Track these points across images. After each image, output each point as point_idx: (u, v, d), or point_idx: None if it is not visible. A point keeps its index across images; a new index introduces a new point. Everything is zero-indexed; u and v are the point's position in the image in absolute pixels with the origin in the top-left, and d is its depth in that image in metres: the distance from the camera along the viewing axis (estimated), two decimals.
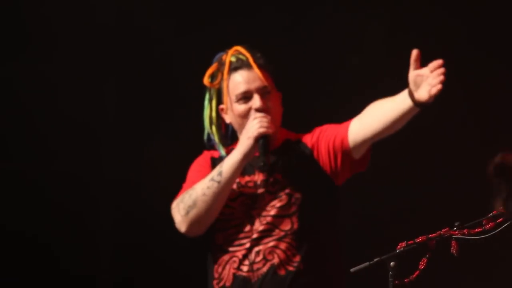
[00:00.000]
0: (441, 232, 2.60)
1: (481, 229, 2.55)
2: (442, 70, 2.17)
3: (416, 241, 2.63)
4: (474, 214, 2.65)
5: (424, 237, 2.62)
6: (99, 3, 4.68)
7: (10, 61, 4.39)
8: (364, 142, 2.43)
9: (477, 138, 4.02)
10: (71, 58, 4.44)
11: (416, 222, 3.36)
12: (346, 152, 2.45)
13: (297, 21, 4.60)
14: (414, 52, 2.22)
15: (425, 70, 2.19)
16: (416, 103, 2.23)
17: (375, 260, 2.69)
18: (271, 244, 2.44)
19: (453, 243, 2.58)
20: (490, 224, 2.53)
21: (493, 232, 2.54)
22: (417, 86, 2.21)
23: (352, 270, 2.71)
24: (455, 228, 2.58)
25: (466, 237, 2.56)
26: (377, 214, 3.78)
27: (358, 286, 2.90)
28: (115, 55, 4.54)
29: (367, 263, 2.70)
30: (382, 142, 2.76)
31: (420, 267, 2.62)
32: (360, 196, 3.73)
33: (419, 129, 3.41)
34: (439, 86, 2.16)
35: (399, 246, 2.65)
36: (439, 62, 2.19)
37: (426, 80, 2.18)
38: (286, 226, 2.45)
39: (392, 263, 2.64)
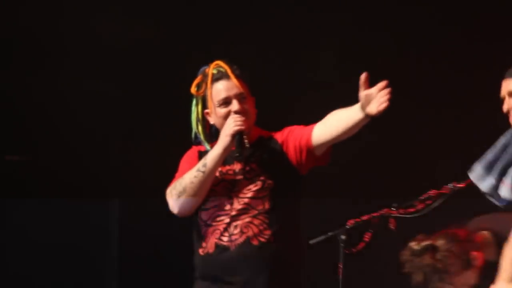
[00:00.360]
0: (382, 212, 3.23)
1: (414, 210, 3.17)
2: (387, 90, 2.71)
3: (362, 218, 3.24)
4: (408, 197, 3.28)
5: (368, 216, 3.23)
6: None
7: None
8: (324, 144, 2.92)
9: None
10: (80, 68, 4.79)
11: (362, 203, 3.93)
12: (310, 150, 2.92)
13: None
14: (363, 76, 2.74)
15: (373, 90, 2.69)
16: (367, 116, 2.79)
17: (329, 234, 3.30)
18: (247, 220, 2.95)
19: (391, 220, 3.20)
20: (421, 205, 3.16)
21: (423, 212, 3.16)
22: (368, 102, 2.72)
23: (311, 242, 3.32)
24: (393, 208, 3.20)
25: (402, 215, 3.17)
26: (332, 196, 4.36)
27: (317, 254, 3.41)
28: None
29: (323, 236, 3.32)
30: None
31: (365, 239, 3.24)
32: (318, 183, 4.29)
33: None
34: (385, 104, 2.70)
35: (349, 223, 3.25)
36: (384, 83, 2.72)
37: (375, 98, 2.72)
38: (259, 206, 2.95)
39: (343, 237, 3.25)
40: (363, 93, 2.62)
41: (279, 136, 2.98)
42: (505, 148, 2.93)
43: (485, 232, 3.31)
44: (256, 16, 4.86)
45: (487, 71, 4.45)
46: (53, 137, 4.61)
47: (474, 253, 3.17)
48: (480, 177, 2.86)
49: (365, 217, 3.36)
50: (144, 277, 5.03)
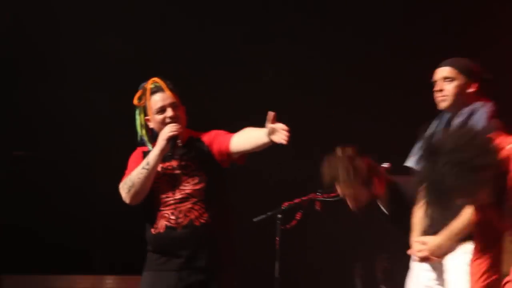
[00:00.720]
0: (310, 196, 4.02)
1: (334, 194, 3.90)
2: (286, 132, 3.24)
3: (295, 201, 4.04)
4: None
5: (299, 199, 4.03)
6: None
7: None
8: (238, 152, 3.58)
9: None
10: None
11: (295, 189, 4.67)
12: (228, 154, 3.57)
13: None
14: (271, 114, 3.27)
15: (277, 126, 3.27)
16: (271, 141, 3.30)
17: (268, 213, 4.13)
18: (189, 206, 3.53)
19: (317, 202, 4.00)
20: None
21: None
22: (272, 132, 3.26)
23: (254, 219, 4.14)
24: (318, 193, 3.99)
25: (326, 199, 3.96)
26: (269, 183, 5.16)
27: (258, 230, 4.39)
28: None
29: (264, 216, 4.13)
30: None
31: (296, 217, 4.04)
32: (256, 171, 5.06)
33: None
34: (284, 141, 3.22)
35: (284, 205, 4.06)
36: (285, 127, 3.25)
37: (278, 131, 3.25)
38: (197, 195, 3.56)
39: (279, 216, 4.07)
40: (269, 125, 3.26)
41: (206, 138, 3.62)
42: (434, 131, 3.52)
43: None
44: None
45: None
46: (53, 135, 5.31)
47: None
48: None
49: (297, 200, 4.14)
50: None
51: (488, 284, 2.63)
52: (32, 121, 5.18)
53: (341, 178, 3.50)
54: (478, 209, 2.69)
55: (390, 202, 3.62)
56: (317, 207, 4.19)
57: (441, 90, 3.45)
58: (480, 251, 2.66)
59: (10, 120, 5.36)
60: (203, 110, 3.95)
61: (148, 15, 5.69)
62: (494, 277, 2.65)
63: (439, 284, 3.58)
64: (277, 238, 4.33)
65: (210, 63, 5.73)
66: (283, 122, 3.20)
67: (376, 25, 6.09)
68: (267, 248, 4.49)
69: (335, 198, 4.01)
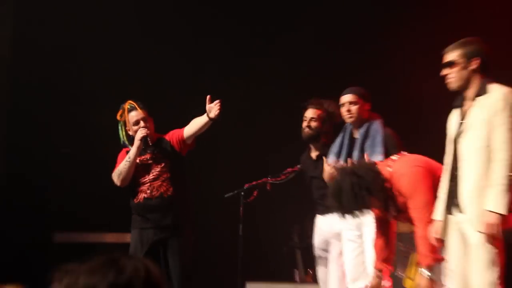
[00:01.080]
0: (263, 180, 5.64)
1: (279, 179, 5.58)
2: (219, 103, 4.64)
3: (253, 183, 5.66)
4: (278, 171, 5.66)
5: (256, 182, 5.66)
6: None
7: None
8: (190, 136, 4.93)
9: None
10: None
11: (253, 175, 5.98)
12: (183, 141, 4.98)
13: None
14: (208, 97, 4.69)
15: (212, 104, 4.65)
16: (210, 119, 4.75)
17: (235, 191, 5.71)
18: (159, 183, 4.96)
19: (268, 184, 5.62)
20: (283, 176, 5.55)
21: (285, 180, 5.56)
22: (209, 111, 4.68)
23: (226, 195, 5.72)
24: (269, 177, 5.60)
25: (274, 182, 5.61)
26: (236, 170, 6.61)
27: (228, 203, 5.85)
28: None
29: (231, 193, 5.72)
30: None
31: (254, 194, 5.63)
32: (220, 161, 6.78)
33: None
34: (218, 112, 4.62)
35: (245, 186, 5.67)
36: (217, 102, 4.66)
37: (213, 109, 4.66)
38: (164, 175, 4.97)
39: (242, 193, 5.69)
40: (207, 106, 4.78)
41: (167, 137, 5.12)
42: (343, 138, 4.94)
43: None
44: None
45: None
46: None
47: None
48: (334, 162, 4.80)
49: (254, 182, 5.72)
50: None
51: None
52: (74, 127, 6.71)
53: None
54: (375, 210, 4.18)
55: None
56: (268, 187, 5.81)
57: (348, 111, 4.86)
58: (377, 233, 4.29)
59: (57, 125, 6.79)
60: (164, 117, 5.53)
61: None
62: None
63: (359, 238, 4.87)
64: (241, 208, 5.90)
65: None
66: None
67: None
68: (234, 215, 6.02)
69: (280, 181, 5.73)
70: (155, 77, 6.75)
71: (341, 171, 4.33)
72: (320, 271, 5.39)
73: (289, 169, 5.82)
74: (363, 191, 4.02)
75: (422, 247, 4.11)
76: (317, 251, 5.35)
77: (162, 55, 6.88)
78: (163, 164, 5.04)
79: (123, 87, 6.15)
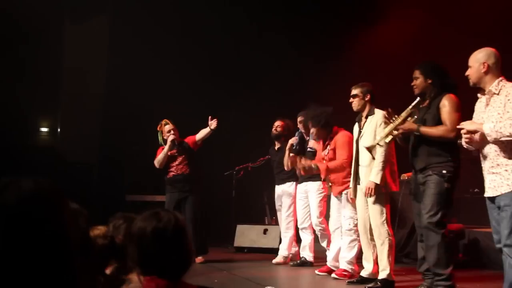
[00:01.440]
0: (247, 164, 9.31)
1: (256, 164, 9.27)
2: (216, 121, 7.61)
3: (241, 166, 9.33)
4: (256, 159, 9.27)
5: (243, 165, 9.32)
6: None
7: None
8: (200, 139, 7.84)
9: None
10: None
11: (241, 161, 9.10)
12: (195, 142, 7.81)
13: None
14: (210, 117, 7.78)
15: (213, 121, 7.64)
16: (211, 130, 7.63)
17: (231, 171, 9.40)
18: (181, 166, 7.85)
19: (250, 167, 9.23)
20: (258, 163, 9.25)
21: (258, 165, 9.30)
22: (211, 125, 7.61)
23: (225, 173, 9.38)
24: (250, 163, 9.26)
25: (252, 165, 9.29)
26: (231, 157, 9.69)
27: (226, 178, 9.34)
28: None
29: (229, 172, 9.38)
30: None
31: (241, 173, 9.29)
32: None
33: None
34: (215, 125, 7.57)
35: (236, 168, 9.34)
36: (215, 119, 7.64)
37: (212, 124, 7.60)
38: (184, 161, 7.85)
39: (234, 172, 9.33)
40: (209, 122, 7.75)
41: (186, 139, 8.12)
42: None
43: None
44: None
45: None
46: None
47: None
48: None
49: (241, 166, 9.25)
50: None
51: None
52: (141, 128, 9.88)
53: None
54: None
55: None
56: (249, 169, 9.15)
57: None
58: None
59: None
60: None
61: None
62: None
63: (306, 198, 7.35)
64: (234, 181, 9.31)
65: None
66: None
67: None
68: (229, 185, 9.37)
69: (257, 165, 9.04)
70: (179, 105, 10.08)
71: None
72: (278, 217, 8.22)
73: (262, 158, 9.06)
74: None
75: (331, 164, 6.37)
76: (276, 206, 8.20)
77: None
78: (183, 156, 7.98)
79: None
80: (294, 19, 10.79)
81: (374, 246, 5.84)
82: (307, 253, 7.60)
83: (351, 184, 6.02)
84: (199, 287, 2.15)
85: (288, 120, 8.02)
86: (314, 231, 7.51)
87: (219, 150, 8.90)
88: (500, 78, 4.36)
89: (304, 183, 7.46)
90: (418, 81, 5.11)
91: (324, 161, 6.56)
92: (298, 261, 7.61)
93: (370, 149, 5.40)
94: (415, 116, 5.06)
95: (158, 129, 8.13)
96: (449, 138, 4.86)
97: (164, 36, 10.42)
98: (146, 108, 9.87)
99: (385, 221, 5.66)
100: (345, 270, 6.43)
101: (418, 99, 5.08)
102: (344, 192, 6.45)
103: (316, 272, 6.85)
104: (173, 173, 7.94)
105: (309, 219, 7.49)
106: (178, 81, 10.23)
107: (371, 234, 5.84)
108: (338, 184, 6.56)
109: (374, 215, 5.70)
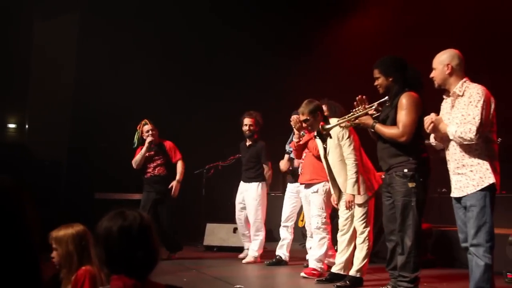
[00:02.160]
0: (217, 163, 9.45)
1: (226, 163, 9.35)
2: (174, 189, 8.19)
3: (211, 165, 9.46)
4: (225, 157, 9.39)
5: (212, 164, 9.47)
6: None
7: None
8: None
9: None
10: None
11: (211, 159, 9.34)
12: (171, 159, 8.23)
13: None
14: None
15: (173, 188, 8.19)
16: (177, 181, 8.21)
17: (201, 169, 9.53)
18: (159, 168, 8.05)
19: (220, 166, 9.39)
20: (228, 161, 9.31)
21: (229, 164, 9.40)
22: (174, 192, 8.19)
23: (195, 172, 9.49)
24: (220, 162, 9.38)
25: (223, 164, 9.40)
26: (202, 157, 9.76)
27: (197, 176, 9.49)
28: None
29: (198, 171, 9.53)
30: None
31: (211, 171, 9.40)
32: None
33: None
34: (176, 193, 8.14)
35: (207, 166, 9.46)
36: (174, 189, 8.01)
37: (174, 189, 8.10)
38: (160, 161, 8.06)
39: (205, 171, 9.45)
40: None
41: (167, 144, 8.31)
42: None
43: None
44: None
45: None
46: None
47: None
48: None
49: (211, 164, 9.40)
50: None
51: None
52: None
53: None
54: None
55: None
56: (219, 167, 9.29)
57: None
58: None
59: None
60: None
61: None
62: None
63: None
64: (204, 179, 9.42)
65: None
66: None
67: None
68: (199, 183, 9.48)
69: (226, 164, 9.18)
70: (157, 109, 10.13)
71: None
72: (237, 214, 8.26)
73: (232, 157, 9.19)
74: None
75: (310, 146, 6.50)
76: (236, 201, 8.19)
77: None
78: (160, 157, 8.22)
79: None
80: (262, 18, 10.93)
81: (353, 245, 5.91)
82: (283, 252, 7.64)
83: (332, 191, 6.00)
84: (167, 286, 2.15)
85: (256, 114, 8.03)
86: (293, 232, 7.66)
87: (189, 149, 8.89)
88: (464, 79, 4.41)
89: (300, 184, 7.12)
90: (380, 80, 5.03)
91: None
92: (274, 260, 7.61)
93: (327, 132, 5.42)
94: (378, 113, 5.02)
95: (137, 128, 8.24)
96: (399, 141, 4.81)
97: (135, 34, 10.43)
98: (115, 106, 9.86)
99: (367, 223, 5.77)
100: (314, 269, 6.46)
101: (386, 98, 5.04)
102: (312, 189, 6.50)
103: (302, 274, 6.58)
104: (150, 173, 8.15)
105: (293, 219, 7.61)
106: (148, 79, 10.27)
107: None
108: (307, 174, 6.62)
109: (357, 217, 5.82)
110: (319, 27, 10.59)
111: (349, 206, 5.68)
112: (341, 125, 5.22)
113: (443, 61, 4.46)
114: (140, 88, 10.14)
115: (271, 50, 10.93)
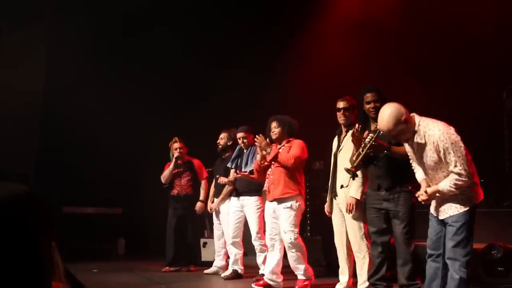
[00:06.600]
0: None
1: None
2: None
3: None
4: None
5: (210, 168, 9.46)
6: None
7: None
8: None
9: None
10: None
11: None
12: (199, 176, 8.37)
13: None
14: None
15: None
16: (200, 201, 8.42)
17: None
18: (187, 187, 8.22)
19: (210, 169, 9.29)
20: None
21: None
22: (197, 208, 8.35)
23: (165, 186, 9.35)
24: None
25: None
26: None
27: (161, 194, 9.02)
28: None
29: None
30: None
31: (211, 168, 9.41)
32: None
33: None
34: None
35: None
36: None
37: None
38: (190, 181, 8.28)
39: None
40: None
41: (196, 162, 8.47)
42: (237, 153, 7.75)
43: None
44: None
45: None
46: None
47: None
48: None
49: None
50: None
51: None
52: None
53: None
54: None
55: None
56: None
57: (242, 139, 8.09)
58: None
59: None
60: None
61: None
62: None
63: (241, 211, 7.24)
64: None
65: None
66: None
67: None
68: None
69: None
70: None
71: None
72: (215, 228, 8.31)
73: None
74: None
75: (281, 157, 6.27)
76: (216, 218, 8.28)
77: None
78: (188, 174, 8.52)
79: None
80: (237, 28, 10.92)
81: (351, 260, 5.78)
82: (238, 266, 7.69)
83: (327, 198, 5.89)
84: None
85: (233, 130, 7.99)
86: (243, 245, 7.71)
87: (162, 162, 8.89)
88: (418, 123, 4.34)
89: (241, 198, 7.48)
90: (379, 104, 5.00)
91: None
92: (231, 274, 7.62)
93: (348, 172, 5.21)
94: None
95: (169, 145, 8.55)
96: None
97: (106, 47, 10.39)
98: (84, 119, 9.77)
99: (363, 236, 5.52)
100: (305, 280, 6.30)
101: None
102: (285, 205, 6.29)
103: (253, 286, 6.60)
104: (177, 191, 8.50)
105: (240, 234, 7.64)
106: (119, 92, 10.19)
107: (348, 248, 5.76)
108: (278, 189, 6.36)
109: (353, 230, 5.59)
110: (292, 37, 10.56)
111: (349, 210, 5.46)
112: (362, 154, 5.06)
113: (397, 118, 4.32)
114: (111, 102, 10.04)
115: (250, 62, 10.79)
